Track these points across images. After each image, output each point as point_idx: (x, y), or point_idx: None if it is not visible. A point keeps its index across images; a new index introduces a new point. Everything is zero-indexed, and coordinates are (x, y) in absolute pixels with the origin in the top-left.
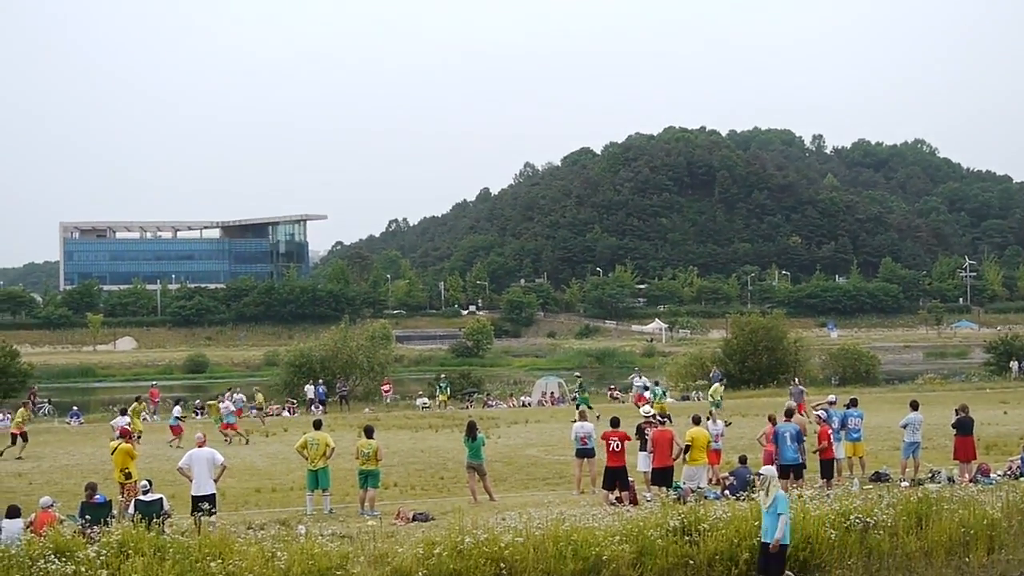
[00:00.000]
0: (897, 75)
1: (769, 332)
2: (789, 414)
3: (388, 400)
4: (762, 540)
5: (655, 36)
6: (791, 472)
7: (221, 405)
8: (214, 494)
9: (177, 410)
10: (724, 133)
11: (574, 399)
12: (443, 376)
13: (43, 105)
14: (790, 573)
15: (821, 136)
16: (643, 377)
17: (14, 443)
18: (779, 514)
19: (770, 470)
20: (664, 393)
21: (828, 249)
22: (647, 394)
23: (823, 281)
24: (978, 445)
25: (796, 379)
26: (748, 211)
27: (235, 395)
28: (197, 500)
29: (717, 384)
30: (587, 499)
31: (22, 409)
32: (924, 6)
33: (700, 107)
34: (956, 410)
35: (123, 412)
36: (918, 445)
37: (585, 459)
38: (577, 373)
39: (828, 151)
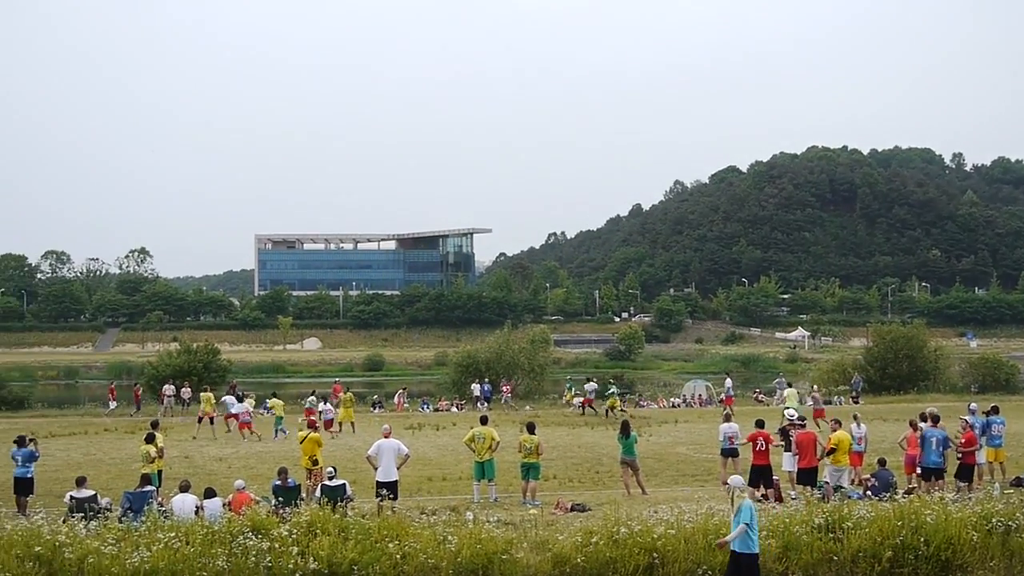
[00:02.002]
0: None
1: (909, 341)
2: (936, 420)
3: (505, 400)
4: (732, 549)
5: (798, 60)
6: (932, 475)
7: (227, 399)
8: (396, 481)
9: (242, 406)
10: (865, 152)
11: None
12: (569, 378)
13: (245, 132)
14: None
15: (961, 154)
16: (729, 379)
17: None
18: (742, 523)
19: (737, 480)
20: (614, 393)
21: (968, 262)
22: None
23: (962, 293)
24: None
25: (814, 388)
26: (888, 225)
27: (309, 397)
28: (381, 486)
29: (791, 390)
30: None
31: (208, 394)
32: None
33: (842, 127)
34: None
35: (324, 399)
36: None
37: (730, 458)
38: (611, 379)
39: (968, 168)
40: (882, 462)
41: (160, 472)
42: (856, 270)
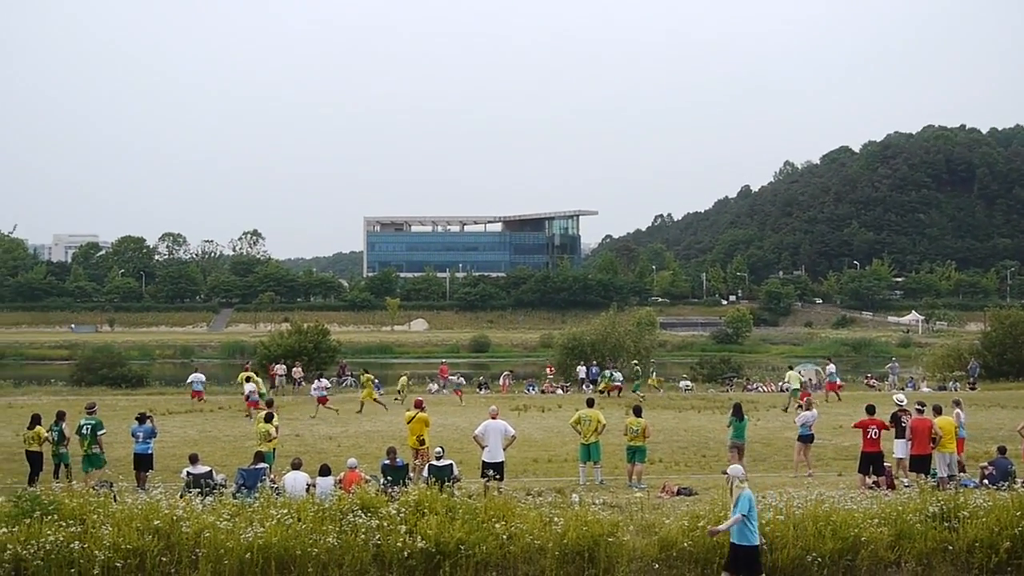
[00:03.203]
0: None
1: None
2: None
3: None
4: (731, 540)
5: (913, 38)
6: None
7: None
8: (503, 462)
9: (324, 383)
10: (984, 131)
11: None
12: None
13: (352, 115)
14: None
15: None
16: (833, 364)
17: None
18: (739, 513)
19: (736, 469)
20: (611, 376)
21: None
22: None
23: None
24: None
25: (829, 360)
26: (1008, 207)
27: (321, 380)
28: (487, 466)
29: (792, 372)
30: (845, 481)
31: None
32: None
33: (960, 106)
34: None
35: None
36: None
37: (806, 444)
38: (635, 361)
39: None
40: (1002, 450)
41: (274, 450)
42: (973, 252)
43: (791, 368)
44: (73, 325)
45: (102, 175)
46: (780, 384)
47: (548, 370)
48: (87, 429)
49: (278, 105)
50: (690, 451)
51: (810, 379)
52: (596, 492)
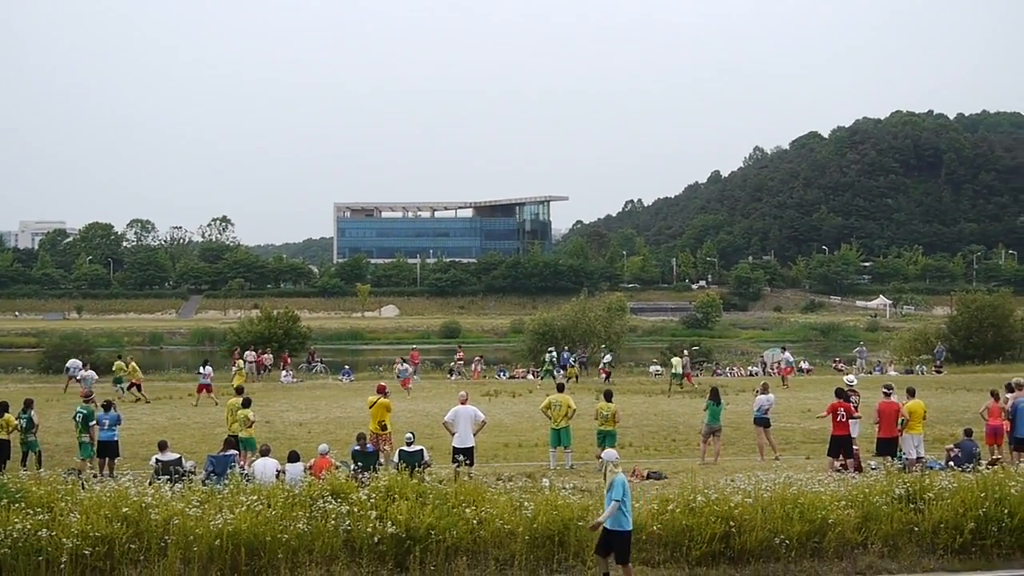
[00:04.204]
0: None
1: (995, 310)
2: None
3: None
4: (604, 525)
5: (881, 24)
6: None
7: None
8: (473, 447)
9: (208, 370)
10: (952, 116)
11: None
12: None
13: (322, 101)
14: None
15: None
16: (786, 352)
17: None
18: (613, 500)
19: (610, 454)
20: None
21: None
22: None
23: None
24: None
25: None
26: (975, 192)
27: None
28: (457, 451)
29: (676, 358)
30: (813, 465)
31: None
32: None
33: (928, 92)
34: None
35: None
36: None
37: (763, 428)
38: (551, 348)
39: None
40: (968, 432)
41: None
42: (940, 237)
43: (675, 355)
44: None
45: (69, 161)
46: (749, 369)
47: (412, 358)
48: (80, 417)
49: (246, 91)
50: (660, 436)
51: (778, 363)
52: (566, 477)
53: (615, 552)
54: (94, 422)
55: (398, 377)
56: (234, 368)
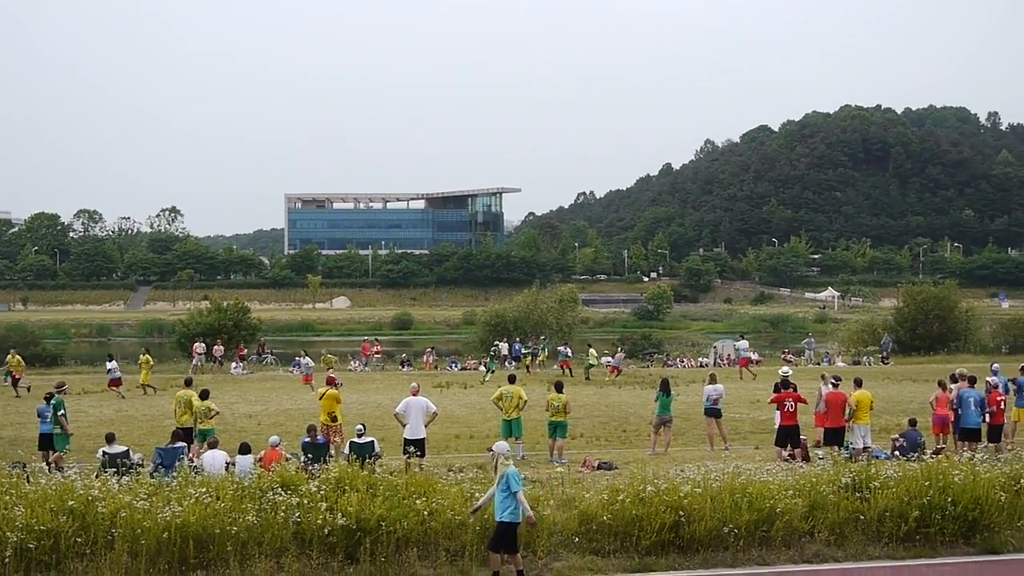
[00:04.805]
0: None
1: (940, 301)
2: (972, 381)
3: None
4: (497, 519)
5: (830, 18)
6: (970, 436)
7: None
8: (424, 439)
9: (113, 364)
10: (899, 111)
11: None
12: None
13: (274, 89)
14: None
15: (996, 113)
16: (743, 339)
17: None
18: (514, 492)
19: (501, 446)
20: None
21: (1001, 223)
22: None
23: (995, 253)
24: None
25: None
26: (921, 185)
27: (304, 359)
28: (408, 443)
29: (592, 349)
30: (761, 454)
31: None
32: None
33: (876, 86)
34: None
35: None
36: None
37: (714, 418)
38: (496, 343)
39: (1003, 128)
40: (912, 422)
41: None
42: (888, 230)
43: (590, 346)
44: None
45: (13, 151)
46: (700, 360)
47: (363, 349)
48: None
49: (198, 71)
50: (610, 426)
51: (729, 354)
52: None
53: (507, 544)
54: (64, 411)
55: (298, 371)
56: (140, 359)
